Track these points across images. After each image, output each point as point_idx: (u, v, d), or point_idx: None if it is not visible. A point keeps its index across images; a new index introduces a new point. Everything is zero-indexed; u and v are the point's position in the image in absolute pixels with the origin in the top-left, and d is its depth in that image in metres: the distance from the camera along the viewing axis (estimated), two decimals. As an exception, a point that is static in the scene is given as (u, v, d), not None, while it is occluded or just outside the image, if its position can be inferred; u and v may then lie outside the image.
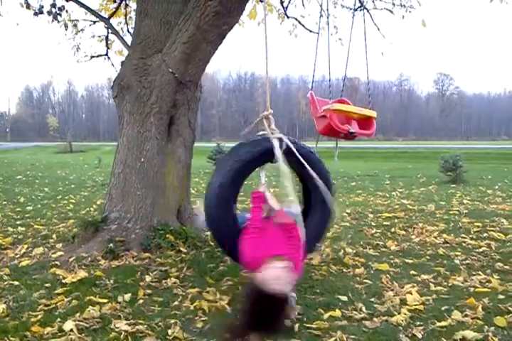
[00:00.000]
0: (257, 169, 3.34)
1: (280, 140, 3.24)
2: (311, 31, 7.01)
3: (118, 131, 4.75)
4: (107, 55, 7.04)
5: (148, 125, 4.49)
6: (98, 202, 7.53)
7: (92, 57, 7.34)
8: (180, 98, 4.63)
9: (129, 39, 5.47)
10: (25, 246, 4.70)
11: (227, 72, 79.10)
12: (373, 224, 5.80)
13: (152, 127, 4.50)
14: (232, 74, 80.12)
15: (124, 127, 4.61)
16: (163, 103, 4.51)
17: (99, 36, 7.21)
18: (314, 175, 3.24)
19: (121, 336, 2.65)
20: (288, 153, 3.23)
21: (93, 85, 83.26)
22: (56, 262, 4.08)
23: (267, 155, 3.21)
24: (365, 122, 4.23)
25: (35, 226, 5.72)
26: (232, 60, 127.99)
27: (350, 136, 4.11)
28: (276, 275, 2.56)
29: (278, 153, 3.16)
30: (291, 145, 3.25)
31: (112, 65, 7.09)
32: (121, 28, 7.19)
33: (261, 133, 3.37)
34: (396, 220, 6.00)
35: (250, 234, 2.95)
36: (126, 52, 5.41)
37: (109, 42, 7.06)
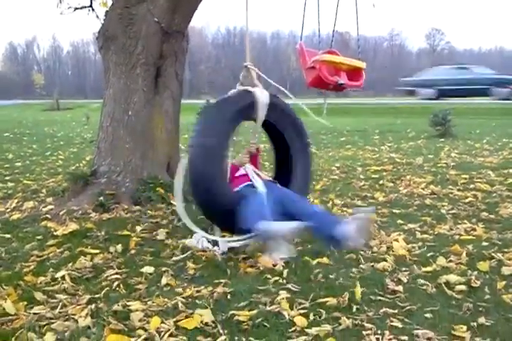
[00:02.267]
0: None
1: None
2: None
3: (104, 84, 4.67)
4: (91, 6, 6.79)
5: (134, 76, 4.41)
6: (87, 158, 7.49)
7: (76, 8, 7.08)
8: (166, 49, 4.53)
9: (113, -12, 5.26)
10: (16, 200, 4.70)
11: (216, 27, 76.92)
12: (362, 176, 5.85)
13: (139, 79, 4.42)
14: (220, 29, 77.93)
15: (111, 79, 4.52)
16: (149, 54, 4.41)
17: (83, -13, 6.94)
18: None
19: (114, 284, 2.71)
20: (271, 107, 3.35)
21: (78, 41, 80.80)
22: (47, 215, 4.11)
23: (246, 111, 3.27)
24: (354, 73, 4.16)
25: (25, 182, 5.71)
26: (220, 14, 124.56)
27: (339, 88, 4.06)
28: None
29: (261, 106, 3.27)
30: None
31: (97, 16, 6.84)
32: (106, -23, 6.91)
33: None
34: (384, 173, 6.05)
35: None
36: (110, 3, 5.23)
37: (93, -8, 6.80)
